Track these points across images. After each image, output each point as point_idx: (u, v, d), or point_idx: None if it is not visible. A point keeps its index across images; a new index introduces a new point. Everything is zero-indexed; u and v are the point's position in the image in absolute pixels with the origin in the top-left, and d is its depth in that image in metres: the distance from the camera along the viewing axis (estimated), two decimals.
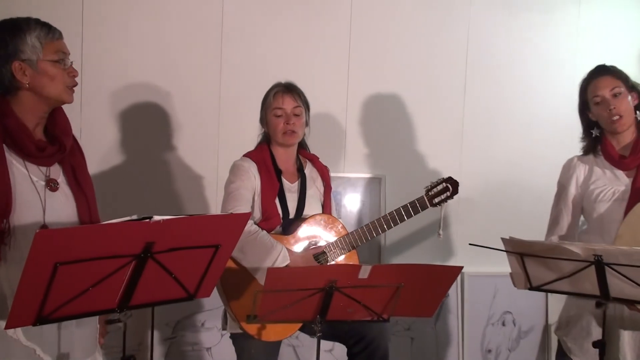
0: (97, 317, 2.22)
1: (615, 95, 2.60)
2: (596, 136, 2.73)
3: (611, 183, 2.65)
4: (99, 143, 3.42)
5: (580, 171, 2.76)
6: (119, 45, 3.45)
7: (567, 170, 2.81)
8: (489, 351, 4.00)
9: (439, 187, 2.86)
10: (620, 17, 4.21)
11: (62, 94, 2.06)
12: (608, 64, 2.74)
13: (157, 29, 3.50)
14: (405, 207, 2.81)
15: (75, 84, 2.09)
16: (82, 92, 3.34)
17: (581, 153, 2.80)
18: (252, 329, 2.60)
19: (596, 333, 2.63)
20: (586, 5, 4.14)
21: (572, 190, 2.77)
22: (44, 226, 2.00)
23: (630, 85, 2.64)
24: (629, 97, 2.62)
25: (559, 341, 2.84)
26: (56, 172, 2.11)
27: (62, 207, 2.08)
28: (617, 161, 2.64)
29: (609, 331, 2.60)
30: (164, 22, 3.51)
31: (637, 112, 2.65)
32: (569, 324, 2.78)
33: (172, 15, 3.52)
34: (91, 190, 2.18)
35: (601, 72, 2.67)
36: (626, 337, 2.58)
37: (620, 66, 2.77)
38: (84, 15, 3.38)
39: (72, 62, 2.10)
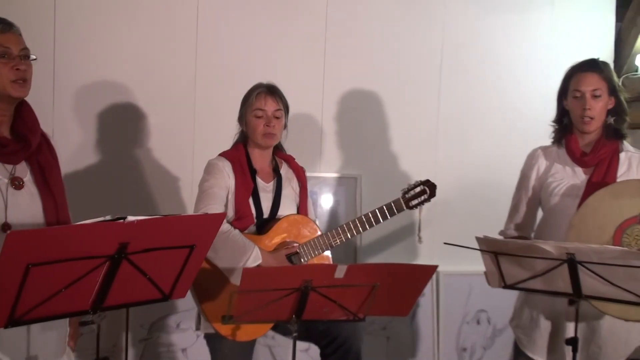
0: (67, 319, 2.20)
1: (594, 97, 2.58)
2: (565, 125, 2.74)
3: (568, 178, 2.68)
4: (72, 142, 3.39)
5: (542, 162, 2.78)
6: (92, 44, 3.42)
7: (530, 160, 2.84)
8: (464, 350, 4.02)
9: (416, 190, 2.84)
10: (593, 17, 4.25)
11: (5, 88, 2.01)
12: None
13: (131, 28, 3.48)
14: (381, 209, 2.80)
15: (21, 77, 2.03)
16: (55, 90, 3.31)
17: (550, 139, 2.81)
18: (224, 329, 2.58)
19: (544, 325, 2.68)
20: (560, 6, 4.18)
21: (533, 180, 2.79)
22: (5, 224, 1.98)
23: (612, 88, 2.61)
24: (607, 101, 2.61)
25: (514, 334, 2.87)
26: (23, 170, 2.09)
27: (26, 206, 2.05)
28: (578, 158, 2.66)
29: (557, 326, 2.65)
30: (138, 21, 3.49)
31: (609, 116, 2.64)
32: (519, 314, 2.81)
33: (147, 14, 3.50)
34: (61, 190, 2.15)
35: (591, 67, 2.64)
36: (571, 330, 2.59)
37: None
38: (56, 14, 3.34)
39: (24, 57, 2.05)
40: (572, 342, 2.30)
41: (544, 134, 3.98)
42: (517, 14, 4.11)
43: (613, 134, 2.65)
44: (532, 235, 2.85)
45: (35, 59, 2.11)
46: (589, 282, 2.18)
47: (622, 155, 2.63)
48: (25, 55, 2.07)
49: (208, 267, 2.62)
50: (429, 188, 2.85)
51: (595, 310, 2.40)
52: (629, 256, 2.08)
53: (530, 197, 2.81)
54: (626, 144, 2.68)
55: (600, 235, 2.40)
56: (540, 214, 2.85)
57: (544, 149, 2.81)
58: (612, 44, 4.31)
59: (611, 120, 2.64)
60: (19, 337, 2.00)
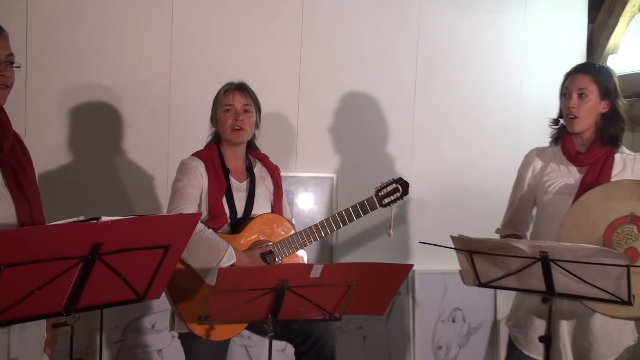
0: (45, 323, 2.17)
1: (580, 96, 2.62)
2: (563, 125, 2.76)
3: (563, 177, 2.71)
4: (45, 142, 3.34)
5: (538, 162, 2.82)
6: (65, 44, 3.37)
7: (527, 159, 2.88)
8: (440, 348, 4.05)
9: (389, 188, 2.88)
10: (565, 19, 4.31)
11: None
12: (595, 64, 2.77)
13: (105, 27, 3.43)
14: (354, 207, 2.82)
15: (3, 83, 2.02)
16: (27, 91, 3.26)
17: (549, 138, 2.84)
18: (199, 329, 2.58)
19: (538, 323, 2.70)
20: (532, 8, 4.23)
21: (528, 179, 2.83)
22: None
23: (605, 92, 2.62)
24: (598, 103, 2.63)
25: (509, 332, 2.91)
26: None
27: None
28: (573, 156, 2.70)
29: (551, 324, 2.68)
30: (112, 19, 3.45)
31: (601, 120, 2.65)
32: (516, 313, 2.85)
33: (121, 13, 3.46)
34: (35, 193, 2.13)
35: (583, 69, 2.69)
36: (565, 326, 2.66)
37: (565, 66, 2.83)
38: (29, 13, 3.29)
39: (9, 63, 2.04)
40: (546, 339, 2.33)
41: (517, 133, 4.05)
42: (490, 15, 4.15)
43: (608, 140, 2.66)
44: (528, 233, 2.89)
45: (19, 67, 2.09)
46: (562, 280, 2.21)
47: (617, 156, 2.66)
48: (10, 61, 2.05)
49: (182, 267, 2.61)
50: (401, 186, 2.89)
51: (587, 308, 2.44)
52: (601, 254, 2.10)
53: (524, 195, 2.85)
54: (622, 147, 2.70)
55: (591, 233, 2.42)
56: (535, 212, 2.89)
57: (540, 149, 2.86)
58: (585, 45, 4.38)
59: (601, 124, 2.66)
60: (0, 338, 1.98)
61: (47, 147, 3.35)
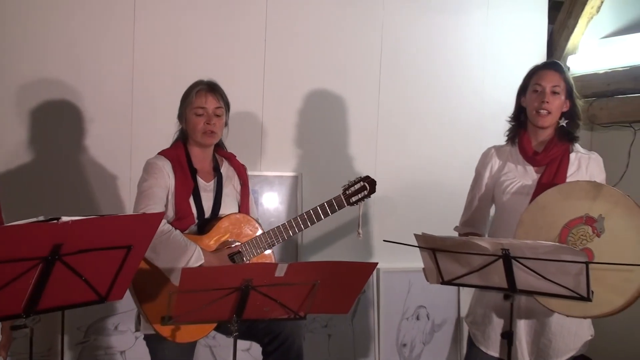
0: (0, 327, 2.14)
1: (553, 92, 2.67)
2: (521, 122, 2.81)
3: (520, 177, 2.75)
4: (4, 141, 3.28)
5: (495, 161, 2.84)
6: (25, 40, 3.31)
7: (484, 158, 2.90)
8: (404, 345, 4.08)
9: (357, 186, 2.88)
10: (525, 18, 4.38)
11: None
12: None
13: (66, 23, 3.38)
14: (322, 206, 2.82)
15: None
16: None
17: (505, 137, 2.88)
18: (165, 330, 2.55)
19: (497, 320, 2.74)
20: (494, 8, 4.29)
21: (486, 178, 2.86)
22: None
23: (569, 91, 2.71)
24: (563, 101, 2.70)
25: (468, 329, 2.94)
26: None
27: None
28: (530, 156, 2.74)
29: (508, 321, 2.72)
30: (74, 15, 3.40)
31: (562, 118, 2.72)
32: (474, 311, 2.88)
33: (83, 10, 3.41)
34: None
35: (554, 67, 2.75)
36: (522, 324, 2.70)
37: (525, 66, 2.88)
38: None
39: None
40: (508, 335, 2.36)
41: (480, 132, 4.10)
42: (453, 16, 4.19)
43: (565, 136, 2.72)
44: (486, 232, 2.92)
45: None
46: (523, 277, 2.24)
47: (572, 156, 2.71)
48: None
49: (149, 268, 2.58)
50: (368, 184, 2.89)
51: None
52: (560, 251, 2.14)
53: (483, 194, 2.88)
54: (577, 145, 2.76)
55: (547, 233, 2.46)
56: (493, 211, 2.92)
57: (498, 148, 2.89)
58: (545, 45, 4.45)
59: (563, 122, 2.72)
60: None
61: (6, 146, 3.30)
